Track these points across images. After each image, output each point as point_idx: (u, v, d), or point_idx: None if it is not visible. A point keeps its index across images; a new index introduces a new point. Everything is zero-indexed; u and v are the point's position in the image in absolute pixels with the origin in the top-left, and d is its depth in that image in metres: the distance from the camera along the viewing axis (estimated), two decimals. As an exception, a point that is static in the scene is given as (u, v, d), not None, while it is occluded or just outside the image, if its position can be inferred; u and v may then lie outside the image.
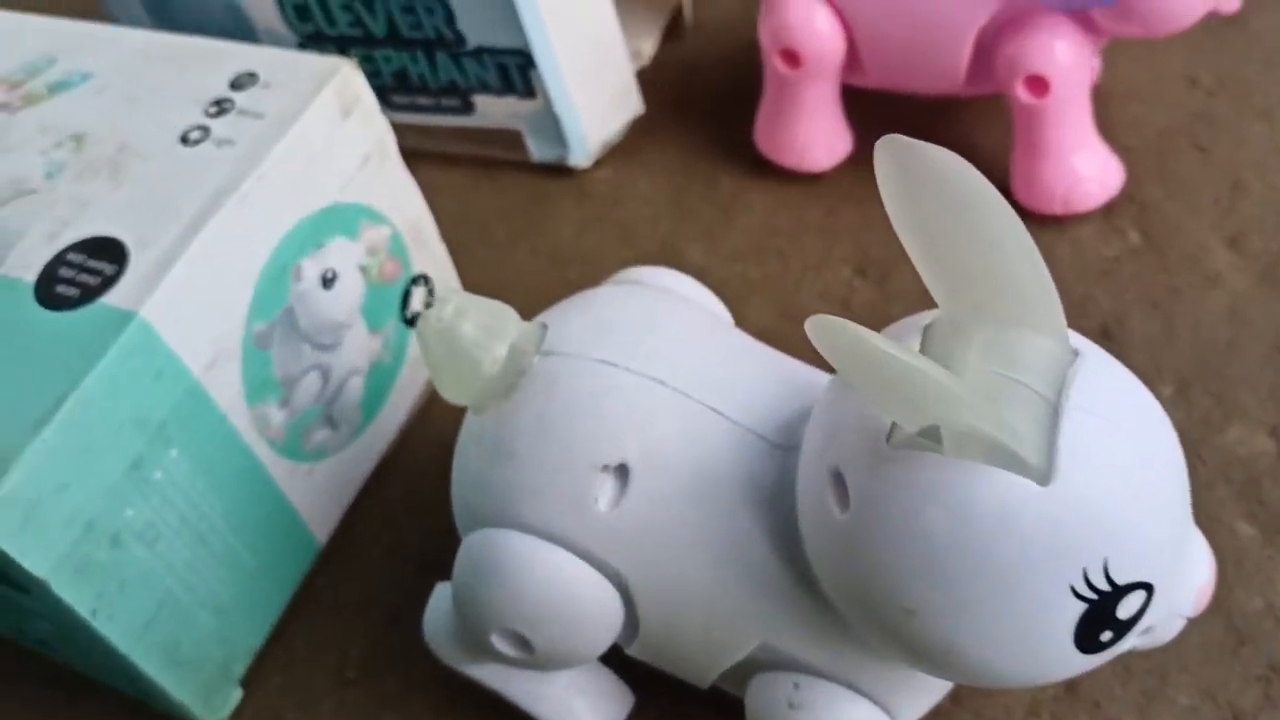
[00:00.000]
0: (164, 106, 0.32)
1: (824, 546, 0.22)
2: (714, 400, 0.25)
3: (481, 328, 0.25)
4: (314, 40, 0.43)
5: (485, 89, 0.42)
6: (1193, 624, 0.26)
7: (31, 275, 0.28)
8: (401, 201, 0.34)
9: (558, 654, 0.25)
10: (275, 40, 0.43)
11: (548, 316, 0.27)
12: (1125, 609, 0.20)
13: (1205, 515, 0.28)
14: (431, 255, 0.36)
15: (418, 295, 0.36)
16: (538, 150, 0.43)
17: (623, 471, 0.24)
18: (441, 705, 0.31)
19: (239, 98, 0.31)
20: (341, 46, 0.42)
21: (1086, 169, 0.37)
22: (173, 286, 0.27)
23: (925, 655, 0.21)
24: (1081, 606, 0.20)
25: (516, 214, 0.42)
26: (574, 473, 0.24)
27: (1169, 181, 0.38)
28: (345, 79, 0.31)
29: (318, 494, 0.33)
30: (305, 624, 0.33)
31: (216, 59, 0.33)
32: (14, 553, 0.25)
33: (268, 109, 0.31)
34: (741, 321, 0.29)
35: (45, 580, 0.26)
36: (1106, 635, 0.20)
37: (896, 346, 0.18)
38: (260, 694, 0.32)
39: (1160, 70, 0.42)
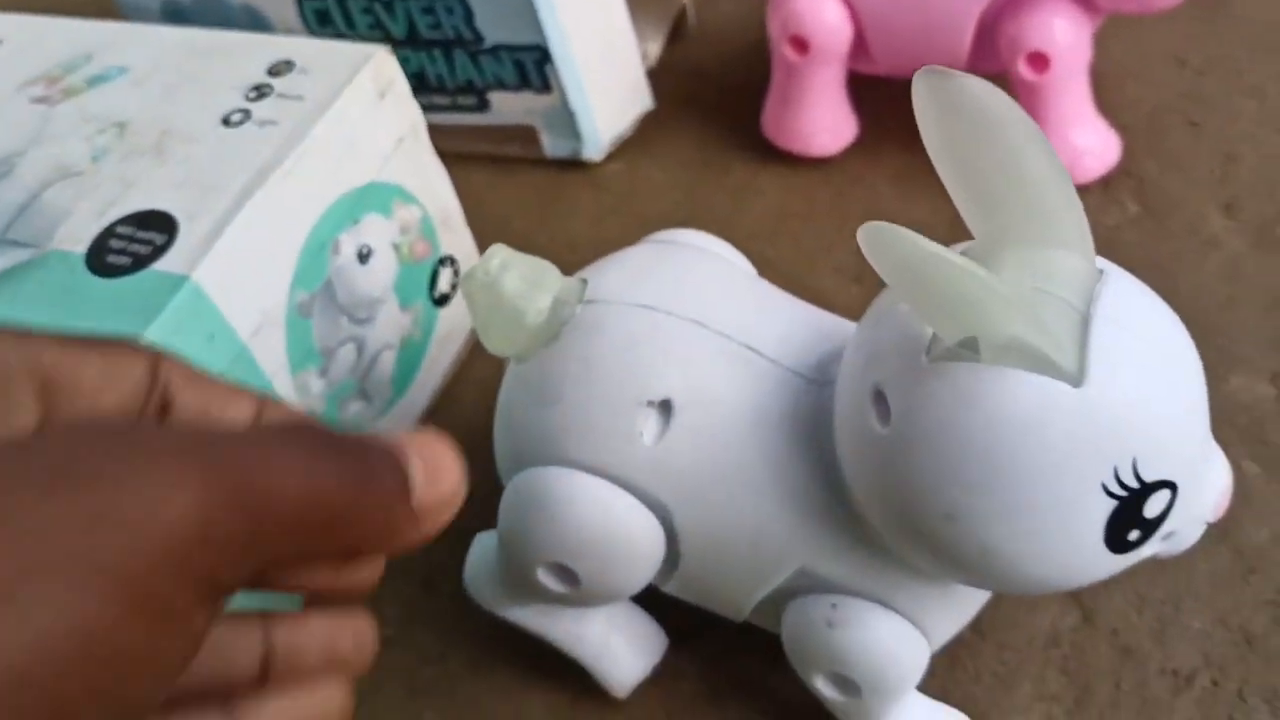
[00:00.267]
0: (203, 94, 0.33)
1: (864, 464, 0.23)
2: (751, 340, 0.26)
3: (525, 280, 0.26)
4: (334, 43, 0.44)
5: (502, 85, 0.43)
6: (1203, 554, 0.28)
7: (81, 247, 0.29)
8: (432, 184, 0.36)
9: (602, 586, 0.26)
10: (296, 44, 0.45)
11: (586, 272, 0.28)
12: (1152, 507, 0.21)
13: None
14: (458, 238, 0.37)
15: (445, 276, 0.37)
16: (552, 145, 0.44)
17: (666, 407, 0.25)
18: (479, 660, 0.32)
19: (278, 83, 0.32)
20: (361, 49, 0.44)
21: (1086, 142, 0.38)
22: (222, 253, 0.28)
23: (963, 561, 0.22)
24: (1111, 504, 0.21)
25: (534, 207, 0.44)
26: (619, 409, 0.25)
27: (1164, 156, 0.40)
28: (380, 63, 0.33)
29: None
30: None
31: (251, 50, 0.34)
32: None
33: (306, 92, 0.32)
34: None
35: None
36: (1134, 534, 0.21)
37: (949, 251, 0.19)
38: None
39: (1151, 53, 0.43)
